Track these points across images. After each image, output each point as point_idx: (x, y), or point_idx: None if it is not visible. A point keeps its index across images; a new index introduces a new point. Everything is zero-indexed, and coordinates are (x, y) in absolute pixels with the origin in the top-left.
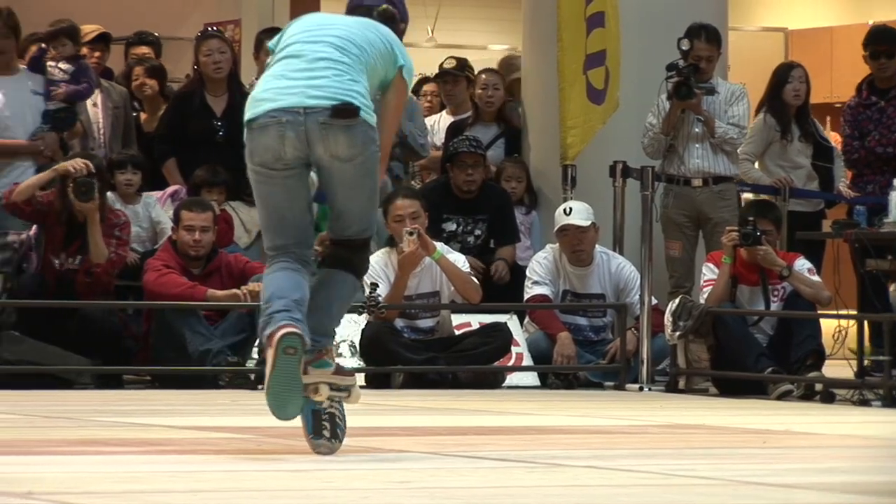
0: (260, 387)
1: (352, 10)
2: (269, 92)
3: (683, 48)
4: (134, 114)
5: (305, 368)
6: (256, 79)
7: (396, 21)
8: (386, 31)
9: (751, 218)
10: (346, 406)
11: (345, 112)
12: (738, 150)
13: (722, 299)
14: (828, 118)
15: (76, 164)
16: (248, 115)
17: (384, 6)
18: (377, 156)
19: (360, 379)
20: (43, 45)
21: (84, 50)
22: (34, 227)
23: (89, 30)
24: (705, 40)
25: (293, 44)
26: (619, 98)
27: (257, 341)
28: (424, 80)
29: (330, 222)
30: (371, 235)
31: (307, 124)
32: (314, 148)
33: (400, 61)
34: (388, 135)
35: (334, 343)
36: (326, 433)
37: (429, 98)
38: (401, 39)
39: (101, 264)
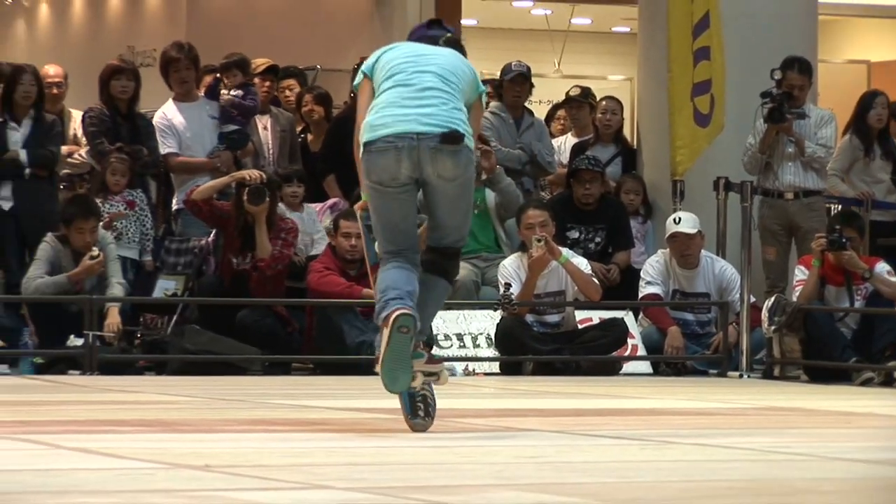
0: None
1: (417, 40)
2: (385, 118)
3: (776, 78)
4: (301, 136)
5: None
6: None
7: (462, 45)
8: (467, 61)
9: (837, 226)
10: (435, 388)
11: (452, 138)
12: (828, 167)
13: (812, 298)
14: None
15: (251, 174)
16: (366, 138)
17: (448, 35)
18: (474, 176)
19: (494, 367)
20: (217, 76)
21: (255, 80)
22: (213, 232)
23: (259, 62)
24: (798, 71)
25: (400, 73)
26: (723, 121)
27: None
28: (557, 106)
29: (429, 232)
30: (464, 245)
31: (420, 148)
32: (424, 168)
33: (481, 88)
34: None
35: (473, 335)
36: (421, 413)
37: (561, 122)
38: None
39: (265, 259)
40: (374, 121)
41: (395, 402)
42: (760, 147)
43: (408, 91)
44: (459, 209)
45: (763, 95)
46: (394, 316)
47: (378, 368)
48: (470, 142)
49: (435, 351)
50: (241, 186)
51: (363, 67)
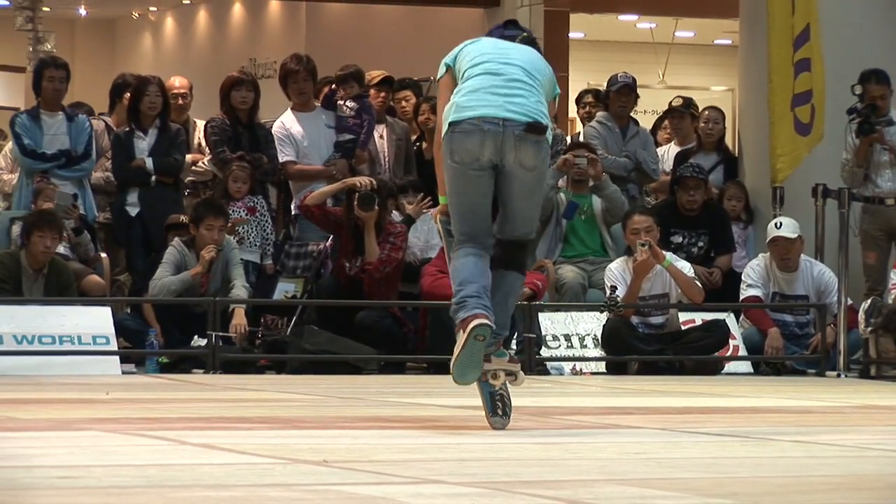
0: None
1: (495, 37)
2: (473, 101)
3: (857, 92)
4: (416, 144)
5: (488, 357)
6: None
7: (538, 44)
8: (545, 61)
9: None
10: (512, 388)
11: (536, 128)
12: None
13: None
14: None
15: (363, 180)
16: (452, 118)
17: (524, 34)
18: (548, 170)
19: (601, 366)
20: (334, 87)
21: (371, 91)
22: (330, 237)
23: (375, 74)
24: (876, 82)
25: (487, 62)
26: (823, 131)
27: (515, 335)
28: (662, 116)
29: (500, 225)
30: (534, 237)
31: (504, 134)
32: (506, 155)
33: (557, 89)
34: None
35: (580, 336)
36: (500, 412)
37: (667, 131)
38: None
39: (373, 262)
40: (463, 102)
41: None
42: (857, 161)
43: (496, 79)
44: (533, 200)
45: (849, 112)
46: (472, 325)
47: (451, 367)
48: (550, 135)
49: (543, 352)
50: (351, 192)
51: (446, 60)
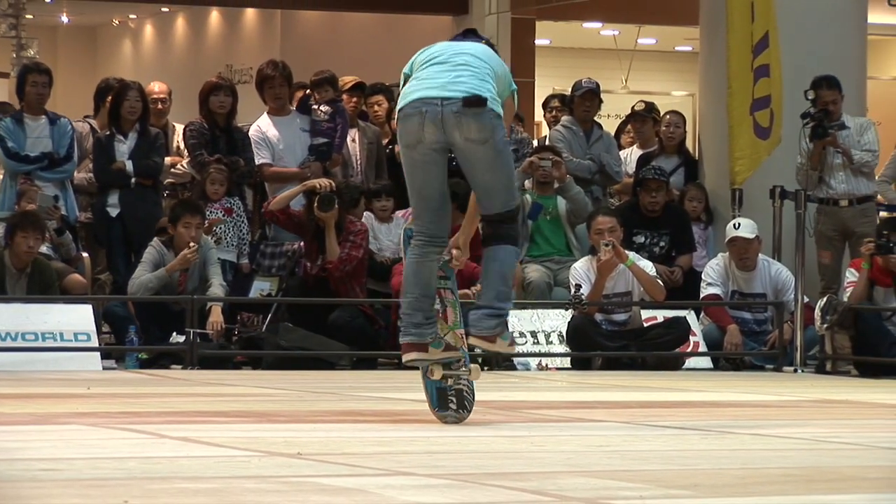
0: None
1: None
2: (414, 87)
3: (810, 98)
4: (389, 148)
5: (426, 348)
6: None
7: (496, 49)
8: (501, 60)
9: (885, 232)
10: (475, 383)
11: (475, 102)
12: (879, 175)
13: (861, 298)
14: None
15: (322, 182)
16: (398, 106)
17: (483, 40)
18: (505, 141)
19: (566, 362)
20: (308, 92)
21: (343, 96)
22: None
23: (347, 80)
24: (827, 88)
25: (437, 56)
26: (781, 135)
27: None
28: (626, 121)
29: (479, 203)
30: (516, 206)
31: (444, 113)
32: (451, 134)
33: (513, 86)
34: None
35: (546, 333)
36: (453, 406)
37: (630, 135)
38: None
39: (333, 261)
40: (406, 90)
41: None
42: (811, 164)
43: (442, 67)
44: (499, 170)
45: (803, 116)
46: (405, 359)
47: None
48: (496, 107)
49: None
50: (312, 194)
51: (404, 70)
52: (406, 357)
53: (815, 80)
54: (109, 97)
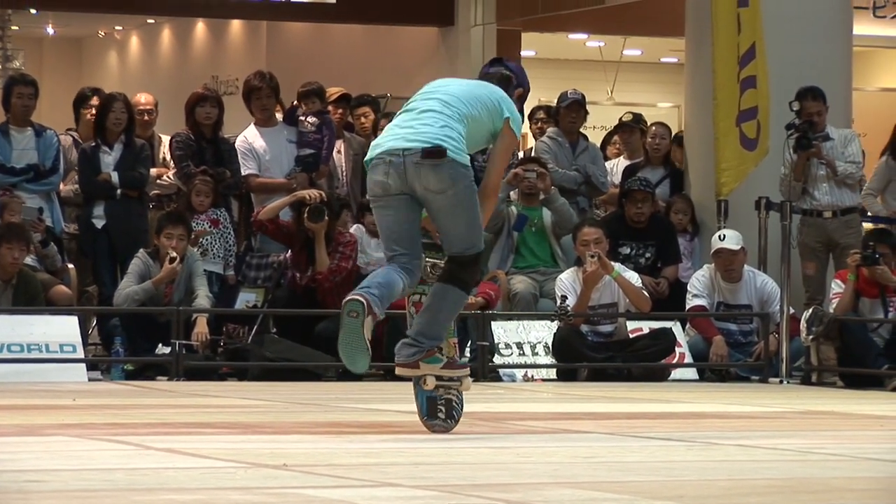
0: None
1: (479, 78)
2: (381, 139)
3: (794, 109)
4: None
5: (417, 364)
6: None
7: (512, 84)
8: (497, 89)
9: (871, 243)
10: (463, 394)
11: (433, 153)
12: (865, 187)
13: (847, 309)
14: None
15: (312, 193)
16: (367, 158)
17: (501, 73)
18: (470, 189)
19: (552, 373)
20: (295, 103)
21: (329, 108)
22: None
23: (333, 91)
24: (812, 99)
25: (413, 101)
26: (768, 146)
27: (468, 342)
28: (612, 132)
29: (442, 242)
30: (478, 252)
31: (406, 163)
32: (412, 183)
33: (505, 114)
34: (495, 174)
35: (532, 344)
36: (441, 415)
37: (616, 146)
38: (520, 101)
39: (323, 272)
40: (376, 141)
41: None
42: (795, 175)
43: (409, 115)
44: (458, 220)
45: (787, 128)
46: (344, 301)
47: (340, 354)
48: (459, 156)
49: (496, 359)
50: (302, 205)
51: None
52: (346, 299)
53: (799, 91)
54: (84, 108)
